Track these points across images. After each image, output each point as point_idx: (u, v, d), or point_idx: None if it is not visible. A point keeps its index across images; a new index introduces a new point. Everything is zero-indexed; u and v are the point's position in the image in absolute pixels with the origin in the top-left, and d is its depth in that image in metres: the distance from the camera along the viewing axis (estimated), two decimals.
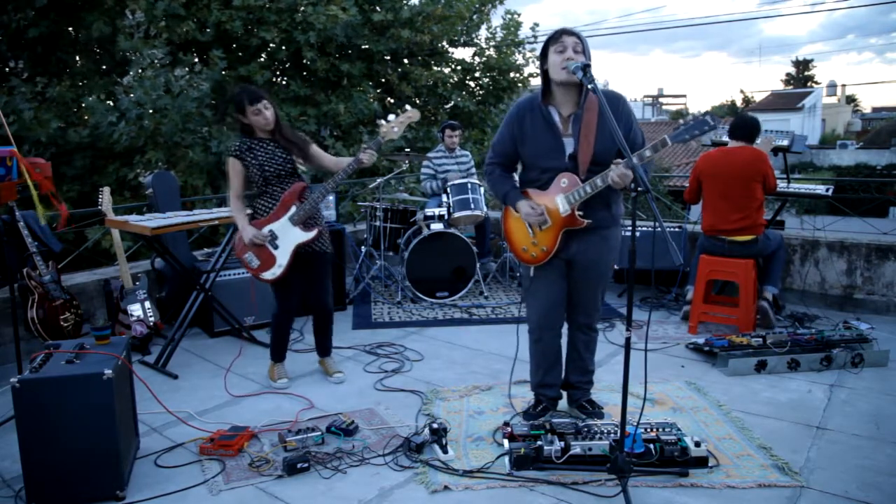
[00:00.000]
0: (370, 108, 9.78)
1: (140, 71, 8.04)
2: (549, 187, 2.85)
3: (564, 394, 3.28)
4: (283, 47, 9.54)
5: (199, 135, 8.55)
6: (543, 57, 2.78)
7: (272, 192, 3.48)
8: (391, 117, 3.46)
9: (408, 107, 3.50)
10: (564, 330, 3.14)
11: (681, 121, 2.57)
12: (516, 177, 3.09)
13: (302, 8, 9.36)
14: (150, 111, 7.87)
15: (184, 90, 8.02)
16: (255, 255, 3.47)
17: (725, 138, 4.71)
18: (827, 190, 4.96)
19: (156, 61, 8.00)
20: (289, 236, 3.45)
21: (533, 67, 11.67)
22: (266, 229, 3.45)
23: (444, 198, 5.49)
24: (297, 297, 3.63)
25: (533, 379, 3.20)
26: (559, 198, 2.82)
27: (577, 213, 2.81)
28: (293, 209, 3.45)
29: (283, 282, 3.50)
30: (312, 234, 3.46)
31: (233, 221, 4.12)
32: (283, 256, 3.45)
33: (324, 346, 3.81)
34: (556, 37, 2.72)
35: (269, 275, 3.46)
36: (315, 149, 3.60)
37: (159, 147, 8.25)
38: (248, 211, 3.57)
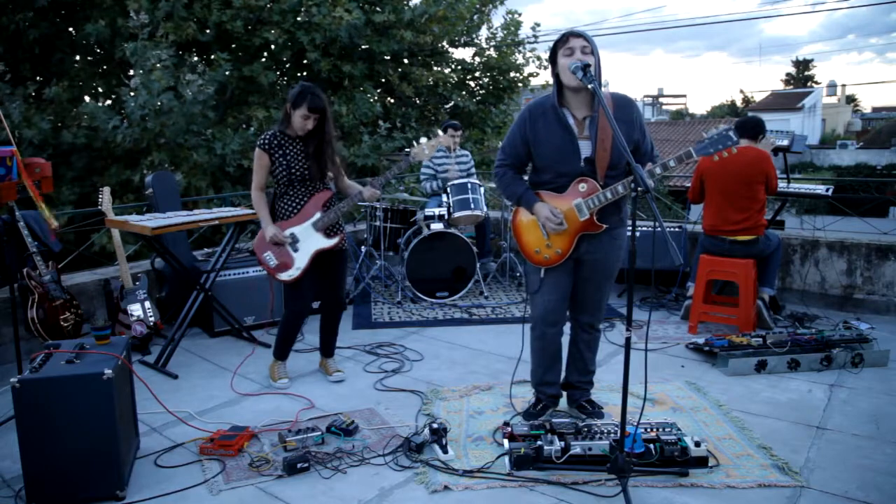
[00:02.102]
0: (373, 109, 9.78)
1: (141, 72, 8.02)
2: (567, 191, 2.83)
3: (564, 393, 3.28)
4: (287, 48, 9.53)
5: (203, 136, 8.55)
6: (553, 60, 2.77)
7: (295, 194, 3.47)
8: (423, 140, 3.53)
9: (440, 132, 3.59)
10: (567, 328, 3.14)
11: (705, 134, 2.66)
12: (525, 177, 3.06)
13: (304, 9, 9.35)
14: (155, 111, 7.86)
15: (194, 95, 8.01)
16: (274, 255, 3.48)
17: None
18: (827, 190, 4.96)
19: (158, 64, 7.98)
20: (310, 241, 3.47)
21: (533, 67, 11.69)
22: (288, 231, 3.45)
23: (444, 198, 5.49)
24: (311, 297, 3.62)
25: (533, 377, 3.20)
26: (578, 202, 2.81)
27: (594, 218, 2.81)
28: (317, 215, 3.47)
29: (297, 282, 3.51)
30: (333, 241, 3.51)
31: (232, 221, 4.14)
32: (301, 260, 3.46)
33: (329, 346, 3.81)
34: (563, 40, 2.70)
35: (285, 276, 3.47)
36: (339, 169, 3.62)
37: (163, 148, 8.24)
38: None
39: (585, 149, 2.79)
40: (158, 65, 7.95)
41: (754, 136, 4.41)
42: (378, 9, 9.90)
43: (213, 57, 8.76)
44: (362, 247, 5.75)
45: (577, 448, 2.65)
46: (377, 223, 5.63)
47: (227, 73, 8.82)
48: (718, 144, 2.62)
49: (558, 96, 2.80)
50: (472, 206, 5.37)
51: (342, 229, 3.61)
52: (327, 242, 3.50)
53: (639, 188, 2.38)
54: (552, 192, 2.87)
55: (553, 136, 2.80)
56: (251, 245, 4.92)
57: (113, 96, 9.38)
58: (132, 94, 7.85)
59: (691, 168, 4.86)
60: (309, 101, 3.29)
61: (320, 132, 3.42)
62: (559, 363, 3.17)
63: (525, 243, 2.99)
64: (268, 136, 3.42)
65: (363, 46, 10.02)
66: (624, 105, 2.82)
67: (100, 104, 8.26)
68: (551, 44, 2.78)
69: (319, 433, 2.91)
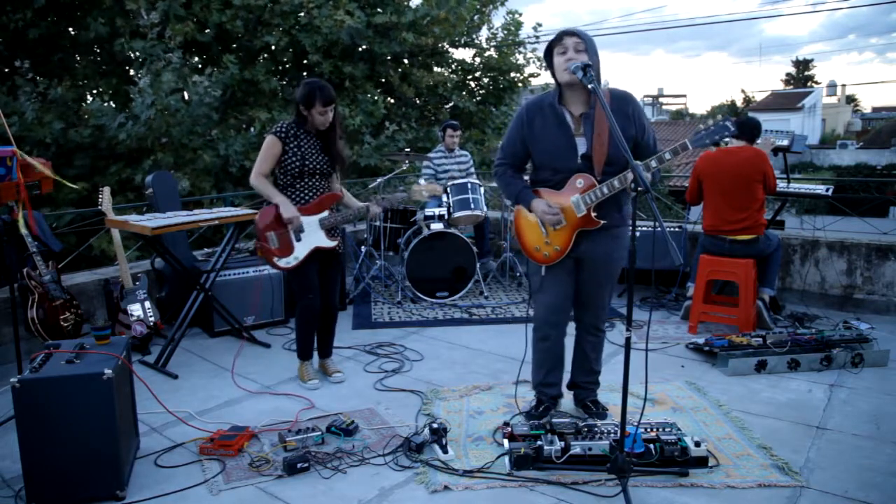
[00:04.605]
0: (378, 112, 9.75)
1: (147, 73, 7.99)
2: (564, 187, 2.85)
3: (570, 393, 3.28)
4: (288, 50, 9.51)
5: (208, 137, 8.54)
6: (549, 60, 2.79)
7: (304, 187, 3.49)
8: (422, 181, 3.56)
9: (426, 182, 3.67)
10: (571, 330, 3.14)
11: (701, 126, 2.63)
12: (526, 177, 3.08)
13: (303, 12, 9.34)
14: (162, 111, 7.84)
15: (200, 97, 8.00)
16: (277, 237, 3.47)
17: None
18: (827, 190, 4.96)
19: (169, 65, 7.96)
20: (313, 235, 3.48)
21: (533, 67, 11.68)
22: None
23: (444, 198, 5.49)
24: (318, 292, 3.60)
25: (535, 377, 3.20)
26: (575, 198, 2.82)
27: (592, 213, 2.81)
28: (326, 213, 3.50)
29: (304, 277, 3.51)
30: (333, 243, 3.53)
31: (232, 221, 4.14)
32: (301, 250, 3.47)
33: (326, 347, 3.81)
34: (557, 39, 2.74)
35: (282, 262, 3.48)
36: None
37: (166, 148, 8.23)
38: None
39: (582, 145, 2.81)
40: (168, 66, 7.94)
41: (751, 137, 4.42)
42: (379, 10, 9.89)
43: (224, 59, 8.74)
44: (362, 247, 5.75)
45: (577, 448, 2.65)
46: (377, 223, 5.63)
47: (232, 74, 8.81)
48: (715, 135, 2.60)
49: (559, 95, 2.82)
50: (472, 206, 5.37)
51: (342, 233, 3.64)
52: (328, 242, 3.51)
53: (638, 187, 2.38)
54: (551, 190, 2.89)
55: (550, 134, 2.83)
56: (251, 245, 4.92)
57: (112, 93, 9.36)
58: (139, 93, 7.83)
59: (691, 168, 4.86)
60: (320, 96, 3.34)
61: (333, 126, 3.47)
62: (561, 366, 3.17)
63: (526, 242, 3.02)
64: (284, 126, 3.45)
65: (363, 47, 10.01)
66: (620, 100, 2.81)
67: (103, 103, 8.25)
68: (547, 44, 2.81)
69: (319, 433, 2.91)
